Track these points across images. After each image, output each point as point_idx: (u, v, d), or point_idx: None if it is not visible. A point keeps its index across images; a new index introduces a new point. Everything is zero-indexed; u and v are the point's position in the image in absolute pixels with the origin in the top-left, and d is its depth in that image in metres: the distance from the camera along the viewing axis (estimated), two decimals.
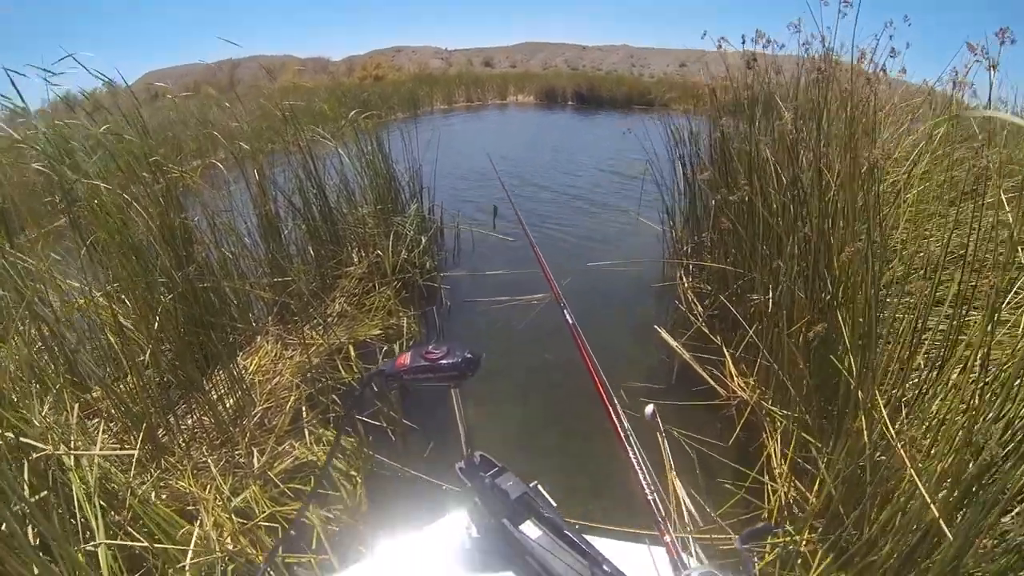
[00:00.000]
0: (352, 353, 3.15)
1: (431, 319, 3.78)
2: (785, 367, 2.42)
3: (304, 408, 2.79)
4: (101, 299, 2.61)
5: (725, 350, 2.93)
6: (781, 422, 2.41)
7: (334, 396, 2.90)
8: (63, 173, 2.73)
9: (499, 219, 5.72)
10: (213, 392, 2.67)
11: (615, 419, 0.90)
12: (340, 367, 3.07)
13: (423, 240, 4.18)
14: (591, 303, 3.93)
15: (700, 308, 3.44)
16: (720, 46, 3.40)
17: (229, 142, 3.59)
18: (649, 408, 1.32)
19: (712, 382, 2.83)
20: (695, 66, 31.32)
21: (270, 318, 3.38)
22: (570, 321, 1.22)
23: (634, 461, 0.82)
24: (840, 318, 2.07)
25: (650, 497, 0.77)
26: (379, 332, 3.42)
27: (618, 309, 3.90)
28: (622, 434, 0.88)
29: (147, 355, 2.54)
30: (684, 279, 3.84)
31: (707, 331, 3.19)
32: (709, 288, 3.50)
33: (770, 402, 2.54)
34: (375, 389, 3.14)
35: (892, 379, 1.96)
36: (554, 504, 1.07)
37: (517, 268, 4.34)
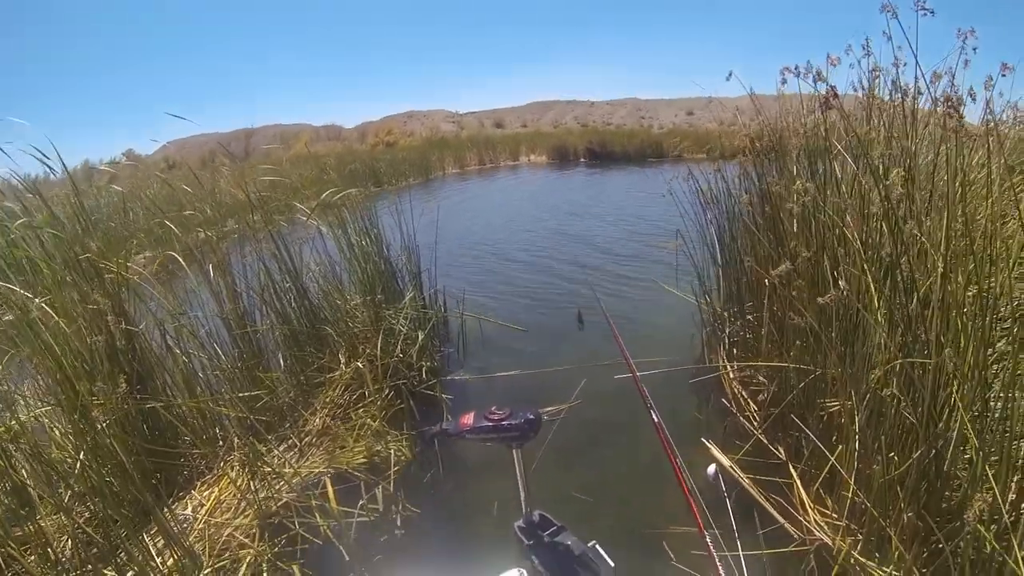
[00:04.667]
0: (331, 489, 2.48)
1: (428, 440, 2.94)
2: (885, 506, 1.80)
3: (265, 570, 2.18)
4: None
5: (793, 471, 2.29)
6: None
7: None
8: None
9: (499, 297, 5.10)
10: (148, 546, 2.09)
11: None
12: (315, 511, 2.40)
13: (420, 336, 3.49)
14: (616, 406, 3.11)
15: (754, 406, 2.81)
16: (752, 90, 2.96)
17: (184, 230, 3.07)
18: (712, 468, 1.28)
19: (781, 518, 2.16)
20: (702, 113, 31.67)
21: (236, 440, 2.78)
22: (655, 419, 1.40)
23: None
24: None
25: None
26: (364, 460, 2.75)
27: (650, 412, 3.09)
28: None
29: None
30: (729, 366, 3.20)
31: (767, 441, 2.54)
32: (763, 380, 2.87)
33: (860, 547, 1.90)
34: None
35: None
36: (612, 565, 1.14)
37: (531, 366, 3.65)
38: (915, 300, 1.68)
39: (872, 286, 1.85)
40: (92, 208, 2.91)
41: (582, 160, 20.70)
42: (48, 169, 2.67)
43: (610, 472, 2.67)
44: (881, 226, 1.87)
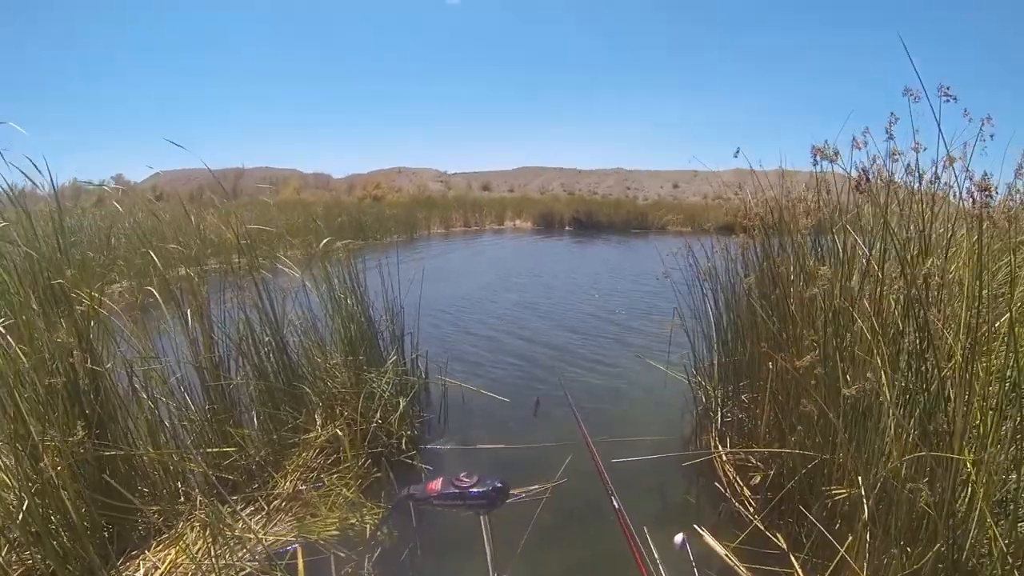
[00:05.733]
0: (300, 561, 2.22)
1: (406, 512, 2.54)
2: None
3: None
4: None
5: (795, 561, 2.15)
6: None
7: None
8: None
9: (482, 367, 4.90)
10: None
11: None
12: None
13: (401, 403, 3.28)
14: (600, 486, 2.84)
15: (748, 491, 2.68)
16: (760, 165, 3.00)
17: (165, 265, 2.91)
18: (679, 537, 1.24)
19: None
20: (687, 186, 32.45)
21: (200, 498, 2.56)
22: (616, 506, 1.25)
23: None
24: None
25: None
26: (336, 532, 2.51)
27: (639, 497, 2.85)
28: None
29: None
30: (720, 447, 3.07)
31: (763, 528, 2.39)
32: (758, 464, 2.75)
33: None
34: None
35: None
36: None
37: (515, 440, 3.43)
38: (935, 385, 1.61)
39: (885, 373, 1.78)
40: (74, 228, 2.73)
41: (567, 228, 20.90)
42: (32, 183, 2.52)
43: (588, 555, 2.48)
44: (896, 311, 1.82)
